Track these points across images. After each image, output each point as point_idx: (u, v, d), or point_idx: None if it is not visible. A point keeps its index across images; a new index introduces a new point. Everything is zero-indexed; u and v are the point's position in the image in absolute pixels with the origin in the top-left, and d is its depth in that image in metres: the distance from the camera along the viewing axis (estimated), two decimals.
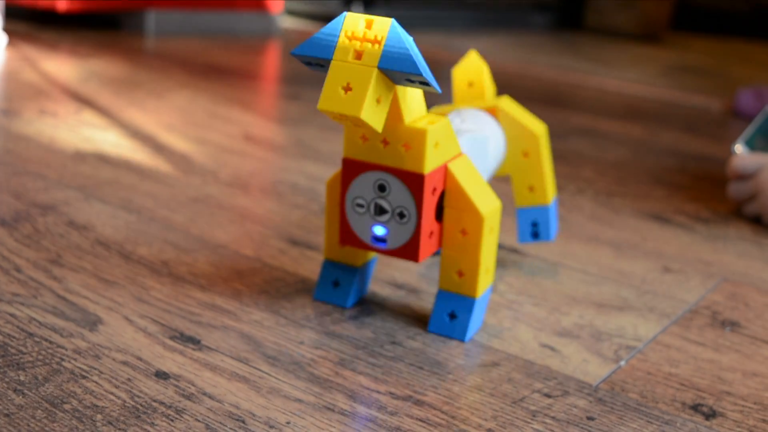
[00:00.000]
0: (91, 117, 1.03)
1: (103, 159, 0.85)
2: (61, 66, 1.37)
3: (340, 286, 0.56)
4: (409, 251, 0.51)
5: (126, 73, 1.36)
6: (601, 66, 2.15)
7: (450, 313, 0.53)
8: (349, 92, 0.44)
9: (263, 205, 0.75)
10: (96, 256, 0.60)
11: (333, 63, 0.44)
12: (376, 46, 0.44)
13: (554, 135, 1.21)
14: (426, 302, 0.58)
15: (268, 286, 0.58)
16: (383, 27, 0.44)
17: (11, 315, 0.50)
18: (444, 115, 0.57)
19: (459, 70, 0.64)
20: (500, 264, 0.67)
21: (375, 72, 0.44)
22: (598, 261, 0.69)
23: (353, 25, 0.44)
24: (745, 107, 1.54)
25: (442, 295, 0.54)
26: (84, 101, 1.11)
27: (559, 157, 1.07)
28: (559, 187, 0.92)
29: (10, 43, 1.53)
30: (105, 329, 0.49)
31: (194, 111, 1.12)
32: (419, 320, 0.55)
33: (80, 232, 0.64)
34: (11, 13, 1.85)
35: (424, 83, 0.45)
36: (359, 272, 0.56)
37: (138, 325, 0.50)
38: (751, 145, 0.90)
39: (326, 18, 2.54)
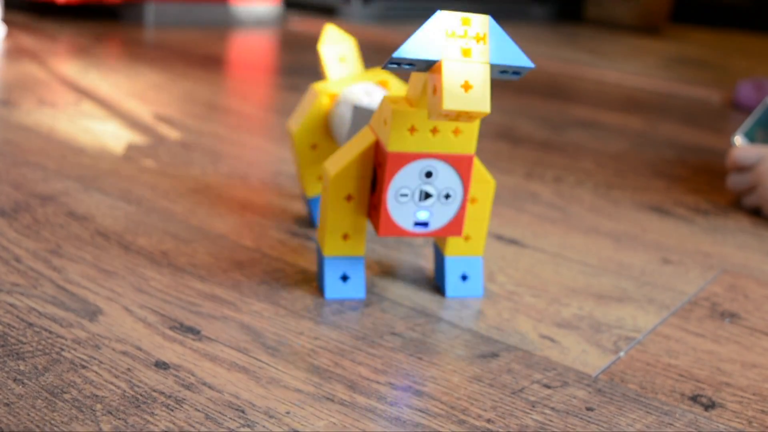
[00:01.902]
0: (91, 108, 1.03)
1: (102, 149, 0.85)
2: (60, 57, 1.37)
3: (351, 279, 0.56)
4: (453, 228, 0.54)
5: (125, 64, 1.35)
6: (600, 58, 2.15)
7: (462, 275, 0.58)
8: (470, 90, 0.44)
9: (263, 196, 0.75)
10: (96, 247, 0.60)
11: (445, 63, 0.44)
12: (482, 42, 0.45)
13: (554, 127, 1.21)
14: (426, 294, 0.58)
15: (268, 276, 0.58)
16: (483, 24, 0.46)
17: (11, 305, 0.50)
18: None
19: (327, 46, 0.65)
20: (500, 255, 0.67)
21: (489, 68, 0.45)
22: (597, 252, 0.69)
23: (452, 24, 0.45)
24: (744, 99, 1.54)
25: (451, 260, 0.58)
26: (83, 92, 1.11)
27: (558, 149, 1.07)
28: (559, 179, 0.92)
29: (10, 33, 1.53)
30: (105, 319, 0.49)
31: (193, 102, 1.12)
32: (419, 311, 0.55)
33: (80, 223, 0.64)
34: (10, 4, 1.84)
35: (517, 73, 0.47)
36: (363, 261, 0.56)
37: (138, 315, 0.50)
38: (750, 136, 0.90)
39: (325, 10, 2.54)
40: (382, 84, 0.65)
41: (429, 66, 0.46)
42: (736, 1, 3.48)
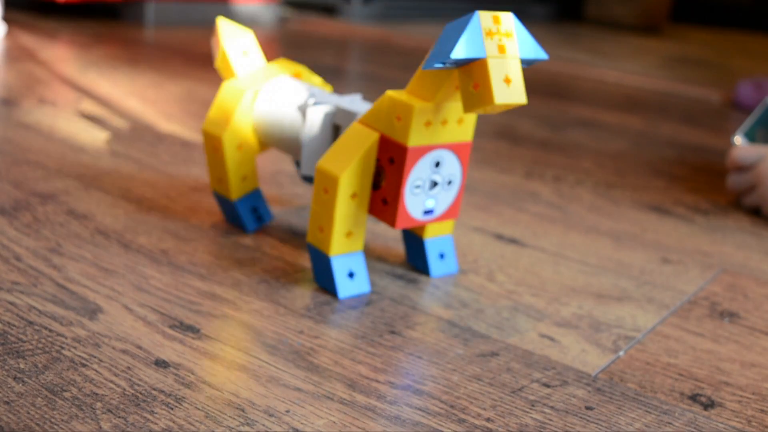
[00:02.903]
0: (91, 106, 1.03)
1: (102, 148, 0.85)
2: (60, 55, 1.37)
3: (356, 275, 0.57)
4: (452, 212, 0.57)
5: (125, 63, 1.35)
6: (600, 57, 2.15)
7: (440, 254, 0.61)
8: (510, 83, 0.48)
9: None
10: (96, 245, 0.60)
11: (490, 60, 0.48)
12: (511, 38, 0.49)
13: (554, 126, 1.21)
14: (425, 292, 0.58)
15: (268, 275, 0.58)
16: (509, 21, 0.49)
17: (11, 303, 0.50)
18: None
19: (228, 40, 0.64)
20: (499, 255, 0.67)
21: (520, 62, 0.49)
22: (597, 252, 0.69)
23: (487, 22, 0.48)
24: (744, 99, 1.54)
25: (429, 242, 0.61)
26: (83, 91, 1.11)
27: (558, 148, 1.07)
28: (559, 179, 0.92)
29: (10, 32, 1.53)
30: (105, 318, 0.49)
31: (193, 101, 1.12)
32: (418, 310, 0.55)
33: (80, 221, 0.64)
34: (11, 3, 1.84)
35: (531, 64, 0.51)
36: (363, 255, 0.57)
37: (138, 313, 0.51)
38: (750, 136, 0.90)
39: (324, 8, 2.54)
40: (297, 75, 0.66)
41: (466, 63, 0.48)
42: (736, 0, 3.48)
